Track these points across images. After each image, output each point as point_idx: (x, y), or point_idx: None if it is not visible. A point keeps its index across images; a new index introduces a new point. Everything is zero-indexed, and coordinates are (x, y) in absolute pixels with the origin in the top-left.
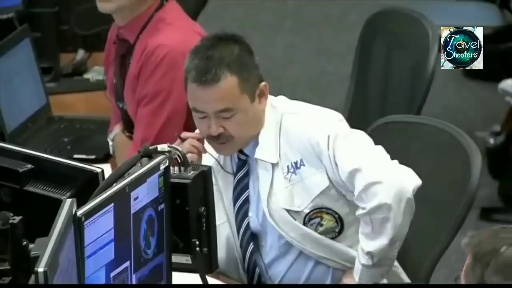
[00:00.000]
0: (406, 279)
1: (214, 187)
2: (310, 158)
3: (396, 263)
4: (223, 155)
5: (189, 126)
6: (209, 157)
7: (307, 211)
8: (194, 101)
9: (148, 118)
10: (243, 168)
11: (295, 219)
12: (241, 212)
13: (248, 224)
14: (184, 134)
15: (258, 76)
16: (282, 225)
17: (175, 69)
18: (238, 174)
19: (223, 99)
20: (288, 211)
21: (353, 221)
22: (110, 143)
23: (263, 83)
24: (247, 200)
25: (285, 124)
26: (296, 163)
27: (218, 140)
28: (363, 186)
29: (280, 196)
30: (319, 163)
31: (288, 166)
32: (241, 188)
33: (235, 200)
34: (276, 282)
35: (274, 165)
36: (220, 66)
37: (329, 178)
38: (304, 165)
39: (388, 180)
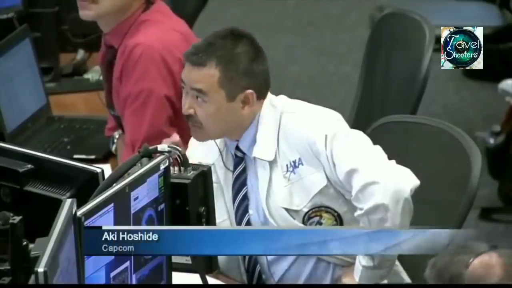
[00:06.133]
0: (407, 279)
1: (216, 184)
2: (308, 157)
3: (397, 263)
4: (195, 139)
5: (184, 121)
6: (214, 153)
7: (306, 210)
8: (183, 74)
9: (134, 119)
10: (240, 165)
11: (294, 218)
12: (241, 209)
13: (248, 221)
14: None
15: (249, 83)
16: (281, 224)
17: (153, 67)
18: (235, 171)
19: (200, 82)
20: (287, 210)
21: (352, 220)
22: (115, 140)
23: (249, 91)
24: (245, 197)
25: (284, 123)
26: (294, 162)
27: (189, 121)
28: (360, 187)
29: (279, 195)
30: (317, 162)
31: (287, 165)
32: (239, 185)
33: (234, 197)
34: (277, 280)
35: (272, 164)
36: (211, 55)
37: (327, 177)
38: (302, 164)
39: (385, 181)
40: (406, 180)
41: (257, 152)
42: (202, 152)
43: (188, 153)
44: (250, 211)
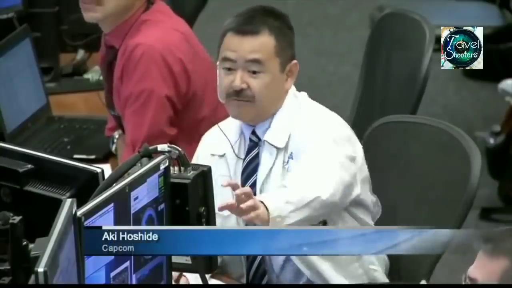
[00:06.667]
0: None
1: (225, 177)
2: (297, 154)
3: (377, 268)
4: (240, 118)
5: (184, 122)
6: (226, 144)
7: None
8: (226, 50)
9: (135, 119)
10: (254, 150)
11: None
12: None
13: None
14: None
15: (292, 53)
16: None
17: (154, 67)
18: (247, 157)
19: (258, 51)
20: None
21: (336, 221)
22: (115, 140)
23: (294, 61)
24: (256, 183)
25: (301, 118)
26: (291, 154)
27: (238, 97)
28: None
29: (276, 183)
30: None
31: (288, 157)
32: (250, 170)
33: (243, 184)
34: (280, 265)
35: (279, 152)
36: (262, 24)
37: None
38: (292, 159)
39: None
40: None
41: (269, 136)
42: (213, 145)
43: (201, 147)
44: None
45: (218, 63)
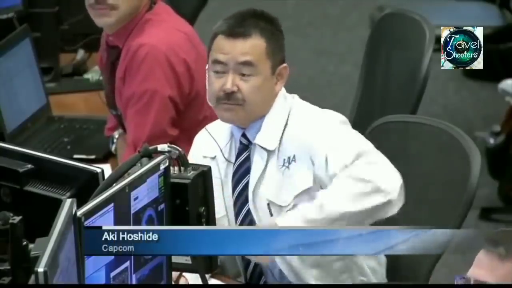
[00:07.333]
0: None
1: (216, 179)
2: (303, 156)
3: (366, 279)
4: (230, 121)
5: (185, 122)
6: (216, 148)
7: (288, 208)
8: (218, 53)
9: (137, 119)
10: (244, 153)
11: (271, 214)
12: (241, 198)
13: (248, 210)
14: None
15: (282, 56)
16: (261, 215)
17: (158, 68)
18: (237, 160)
19: (249, 53)
20: (270, 204)
21: None
22: (115, 140)
23: (284, 65)
24: (248, 185)
25: (292, 119)
26: (289, 158)
27: (228, 100)
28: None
29: (269, 187)
30: (310, 163)
31: (284, 160)
32: (240, 174)
33: (234, 187)
34: (276, 270)
35: (270, 155)
36: (253, 27)
37: (314, 178)
38: (295, 161)
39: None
40: (390, 188)
41: (259, 138)
42: (204, 147)
43: (193, 148)
44: None
45: (207, 66)
